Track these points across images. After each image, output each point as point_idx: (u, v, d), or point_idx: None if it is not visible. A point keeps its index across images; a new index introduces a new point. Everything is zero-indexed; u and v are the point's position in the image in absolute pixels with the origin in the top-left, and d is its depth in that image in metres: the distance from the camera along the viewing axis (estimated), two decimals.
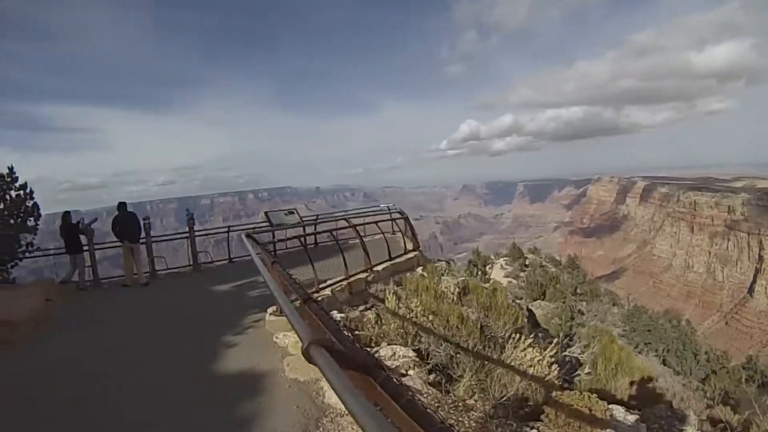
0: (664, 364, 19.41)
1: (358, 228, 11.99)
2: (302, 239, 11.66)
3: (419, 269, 12.86)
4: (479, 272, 25.24)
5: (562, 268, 36.02)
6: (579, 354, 11.05)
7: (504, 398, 5.91)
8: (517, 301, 17.27)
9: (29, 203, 12.52)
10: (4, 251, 11.97)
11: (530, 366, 6.47)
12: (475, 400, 5.85)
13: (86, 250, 12.85)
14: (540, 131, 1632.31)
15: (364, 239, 11.75)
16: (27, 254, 12.60)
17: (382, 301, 8.76)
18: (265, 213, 14.41)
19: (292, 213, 14.89)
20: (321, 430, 4.63)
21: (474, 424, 4.83)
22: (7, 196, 12.13)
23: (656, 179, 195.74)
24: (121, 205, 13.13)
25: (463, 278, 13.70)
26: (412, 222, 16.28)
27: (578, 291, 27.36)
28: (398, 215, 16.53)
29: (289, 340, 6.82)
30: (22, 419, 5.05)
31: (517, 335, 6.96)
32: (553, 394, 6.16)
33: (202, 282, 13.02)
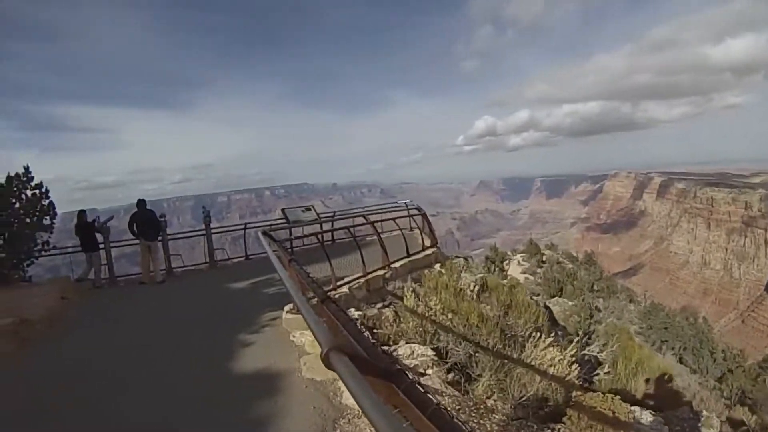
0: (681, 362, 19.22)
1: (375, 224, 11.89)
2: (319, 236, 11.58)
3: (437, 266, 12.73)
4: (497, 269, 25.07)
5: (578, 264, 35.78)
6: (598, 353, 10.88)
7: (523, 398, 5.81)
8: (534, 298, 17.09)
9: (45, 202, 12.61)
10: (20, 250, 12.07)
11: (550, 365, 6.35)
12: (495, 401, 5.75)
13: (102, 248, 12.90)
14: (557, 127, 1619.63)
15: (381, 236, 11.63)
16: (43, 252, 12.68)
17: (401, 298, 8.68)
18: (282, 210, 14.37)
19: (309, 210, 14.84)
20: (338, 431, 4.56)
21: (496, 428, 4.71)
22: (23, 196, 12.23)
23: (673, 175, 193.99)
24: (141, 203, 13.12)
25: (481, 275, 13.55)
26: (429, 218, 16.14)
27: (595, 288, 27.12)
28: (416, 211, 16.42)
29: (306, 338, 6.74)
30: (26, 419, 5.00)
31: (537, 334, 6.84)
32: (574, 394, 6.04)
33: (219, 279, 12.98)
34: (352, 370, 1.77)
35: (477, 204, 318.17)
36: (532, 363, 6.33)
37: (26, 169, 12.43)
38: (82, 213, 13.07)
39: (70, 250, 13.80)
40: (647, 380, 9.58)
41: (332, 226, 15.91)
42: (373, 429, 1.44)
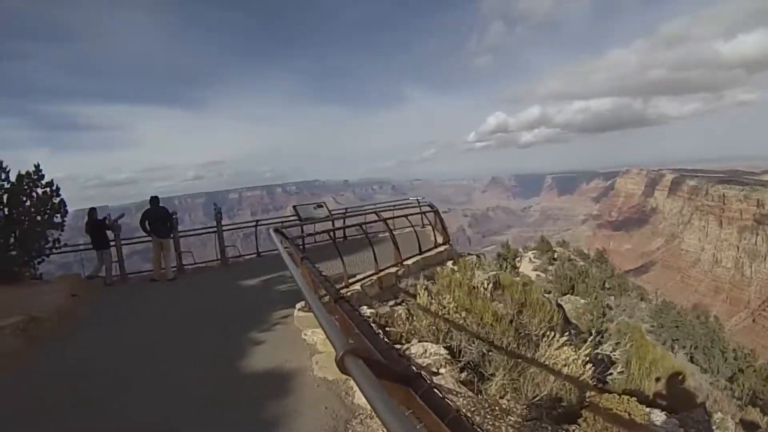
0: (692, 362, 19.06)
1: (387, 221, 11.82)
2: (331, 233, 11.50)
3: (450, 263, 12.63)
4: (509, 266, 24.95)
5: (590, 261, 35.62)
6: (611, 352, 10.77)
7: (537, 398, 5.74)
8: (546, 296, 17.01)
9: (56, 200, 12.65)
10: (31, 247, 12.13)
11: (565, 365, 6.27)
12: (508, 400, 5.68)
13: (113, 246, 12.93)
14: (568, 123, 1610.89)
15: (394, 232, 11.56)
16: (54, 250, 12.74)
17: (414, 296, 8.61)
18: (294, 207, 14.36)
19: (321, 206, 14.80)
20: None
21: (512, 431, 4.64)
22: (34, 194, 12.28)
23: (685, 172, 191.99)
24: (153, 200, 13.12)
25: (494, 272, 13.46)
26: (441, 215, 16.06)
27: (606, 285, 26.98)
28: (428, 208, 16.34)
29: (317, 337, 6.66)
30: (27, 419, 4.96)
31: (551, 333, 6.76)
32: (588, 394, 5.97)
33: (230, 276, 12.97)
34: (367, 374, 1.72)
35: (488, 201, 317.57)
36: (546, 363, 6.26)
37: (37, 167, 12.49)
38: (92, 211, 13.13)
39: (81, 247, 13.88)
40: (657, 379, 9.46)
41: (344, 222, 15.85)
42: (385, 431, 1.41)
